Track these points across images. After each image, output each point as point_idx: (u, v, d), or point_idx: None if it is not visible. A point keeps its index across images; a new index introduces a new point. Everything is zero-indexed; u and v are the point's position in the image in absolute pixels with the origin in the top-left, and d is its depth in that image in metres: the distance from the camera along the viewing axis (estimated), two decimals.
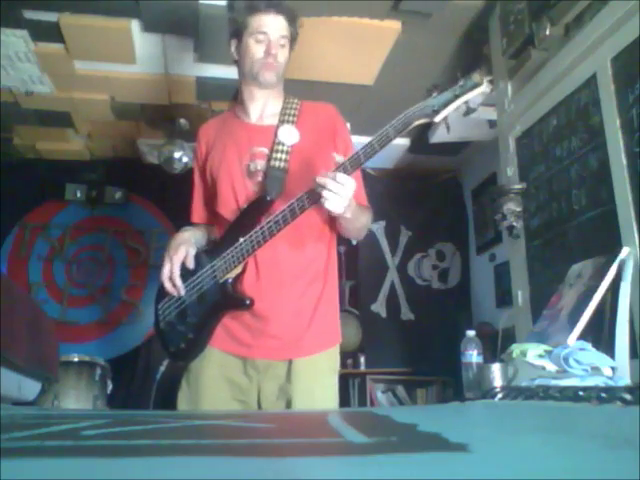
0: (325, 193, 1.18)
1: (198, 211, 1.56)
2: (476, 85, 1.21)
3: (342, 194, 1.19)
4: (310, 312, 1.40)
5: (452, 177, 4.26)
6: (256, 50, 1.41)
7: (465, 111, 1.25)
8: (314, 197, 1.23)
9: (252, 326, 1.39)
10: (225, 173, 1.44)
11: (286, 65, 1.47)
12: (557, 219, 1.95)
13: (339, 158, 1.24)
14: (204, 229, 1.53)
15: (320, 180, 1.19)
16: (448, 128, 1.23)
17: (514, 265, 2.24)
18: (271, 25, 1.41)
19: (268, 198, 1.37)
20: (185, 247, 1.39)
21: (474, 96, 1.22)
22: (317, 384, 1.38)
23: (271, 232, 1.29)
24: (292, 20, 1.44)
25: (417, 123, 1.23)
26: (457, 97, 1.21)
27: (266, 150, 1.43)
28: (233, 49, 1.48)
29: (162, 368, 1.49)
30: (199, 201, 1.56)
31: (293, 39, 1.46)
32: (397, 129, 1.21)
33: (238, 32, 1.44)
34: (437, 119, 1.23)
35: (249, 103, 1.49)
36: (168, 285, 1.38)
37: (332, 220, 1.43)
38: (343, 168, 1.21)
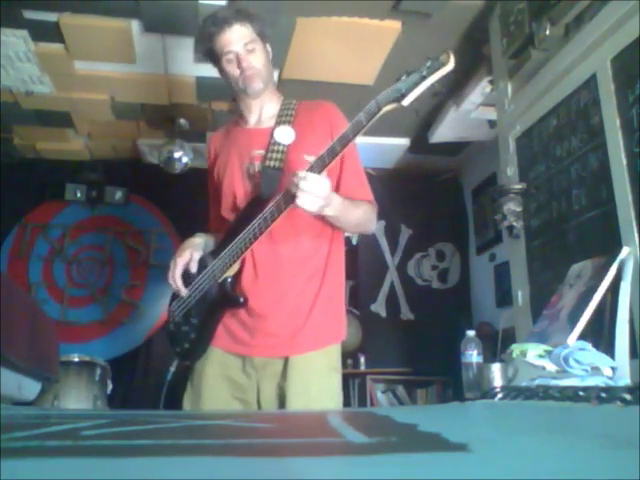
0: (298, 192, 1.19)
1: (212, 219, 1.60)
2: (442, 65, 1.19)
3: (314, 192, 1.19)
4: (307, 309, 1.40)
5: (452, 177, 4.26)
6: (231, 70, 1.43)
7: (434, 92, 1.24)
8: (289, 197, 1.23)
9: (250, 324, 1.40)
10: (228, 178, 1.48)
11: (268, 64, 1.47)
12: (557, 219, 1.94)
13: (310, 159, 1.25)
14: (215, 235, 1.55)
15: (293, 178, 1.20)
16: (417, 112, 1.22)
17: (514, 265, 2.24)
18: (231, 40, 1.40)
19: (263, 198, 1.38)
20: (190, 250, 1.42)
21: (441, 76, 1.19)
22: (313, 382, 1.37)
23: (260, 230, 1.30)
24: (249, 19, 1.43)
25: (387, 108, 1.21)
26: (424, 79, 1.19)
27: (263, 152, 1.44)
28: (218, 73, 1.51)
29: (172, 369, 1.50)
30: (212, 209, 1.59)
31: (262, 34, 1.45)
32: (368, 116, 1.21)
33: (213, 58, 1.47)
34: (405, 103, 1.21)
35: (247, 112, 1.53)
36: (173, 285, 1.42)
37: None
38: (320, 160, 1.22)
